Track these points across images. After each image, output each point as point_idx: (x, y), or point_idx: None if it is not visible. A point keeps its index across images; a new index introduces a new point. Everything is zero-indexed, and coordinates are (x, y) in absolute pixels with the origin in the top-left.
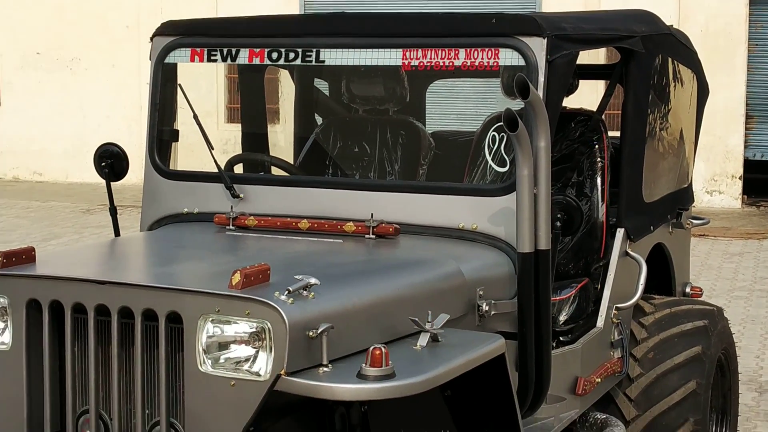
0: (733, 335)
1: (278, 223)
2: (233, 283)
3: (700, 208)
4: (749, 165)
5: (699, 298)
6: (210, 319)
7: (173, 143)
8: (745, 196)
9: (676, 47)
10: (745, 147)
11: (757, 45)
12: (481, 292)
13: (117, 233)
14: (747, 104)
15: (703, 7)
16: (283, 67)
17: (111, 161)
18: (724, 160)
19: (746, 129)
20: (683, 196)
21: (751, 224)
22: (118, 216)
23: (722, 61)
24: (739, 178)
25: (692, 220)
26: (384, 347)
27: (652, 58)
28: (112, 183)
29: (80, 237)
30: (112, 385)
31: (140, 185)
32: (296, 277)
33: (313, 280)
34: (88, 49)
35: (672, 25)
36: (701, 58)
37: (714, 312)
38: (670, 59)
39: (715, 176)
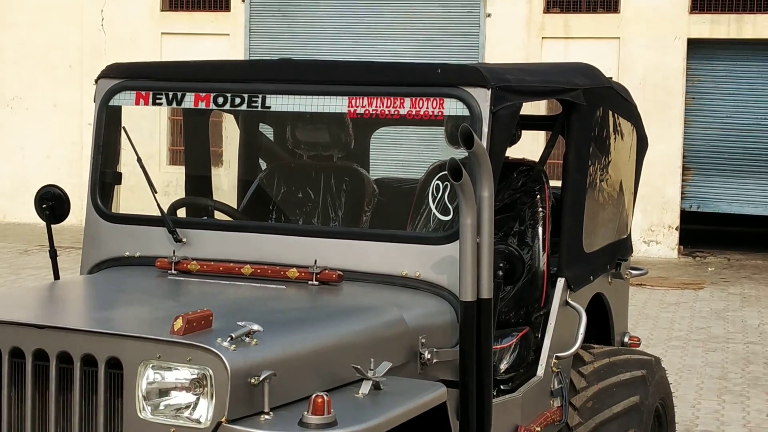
0: (670, 385)
1: (221, 268)
2: (175, 329)
3: (637, 257)
4: (686, 216)
5: (637, 348)
6: (151, 365)
7: (116, 186)
8: (682, 247)
9: (617, 100)
10: (682, 198)
11: (693, 98)
12: (423, 340)
13: (56, 276)
14: (684, 156)
15: (642, 60)
16: (229, 111)
17: (52, 203)
18: (662, 211)
19: (683, 180)
20: (622, 247)
21: (687, 274)
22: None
23: (660, 113)
24: (676, 229)
25: (631, 270)
26: (326, 395)
27: (593, 111)
28: (52, 225)
29: (17, 278)
30: (49, 431)
31: (79, 226)
32: (239, 323)
33: (255, 327)
34: (30, 87)
35: (612, 78)
36: (640, 111)
37: (652, 362)
38: (610, 112)
39: (652, 226)
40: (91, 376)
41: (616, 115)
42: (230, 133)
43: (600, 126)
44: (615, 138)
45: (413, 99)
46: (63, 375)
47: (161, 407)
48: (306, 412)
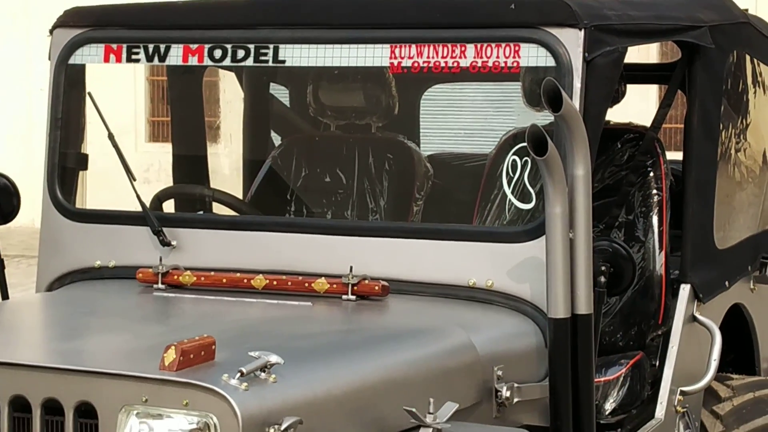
0: None
1: (224, 280)
2: (166, 363)
3: None
4: None
5: None
6: (135, 411)
7: (80, 172)
8: None
9: (757, 40)
10: None
11: None
12: (499, 373)
13: (5, 296)
14: None
15: None
16: (230, 68)
17: None
18: None
19: None
20: None
21: None
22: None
23: None
24: None
25: None
26: None
27: (724, 56)
28: None
29: None
30: None
31: (33, 227)
32: (251, 354)
33: (273, 359)
34: None
35: (748, 10)
36: None
37: None
38: (748, 57)
39: None
40: (57, 427)
41: (755, 60)
42: (231, 97)
43: (734, 76)
44: (755, 92)
45: (478, 45)
46: (19, 427)
47: None
48: None
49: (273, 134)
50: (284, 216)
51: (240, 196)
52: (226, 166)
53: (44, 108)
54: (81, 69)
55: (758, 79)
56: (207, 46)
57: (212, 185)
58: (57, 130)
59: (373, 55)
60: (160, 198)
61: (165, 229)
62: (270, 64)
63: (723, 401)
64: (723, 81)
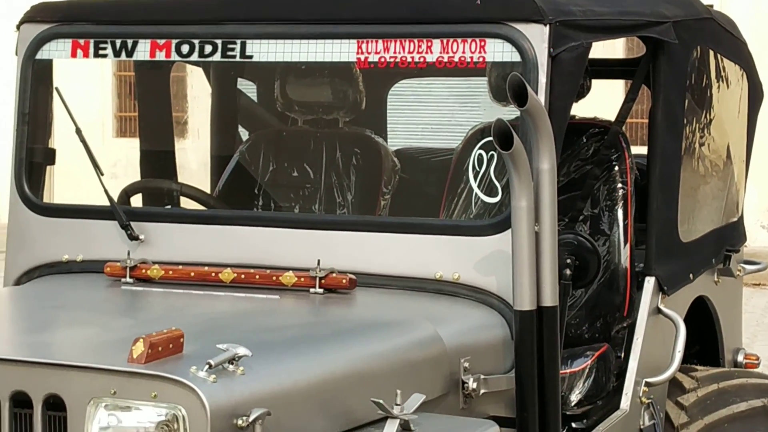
0: None
1: (192, 274)
2: (134, 356)
3: (753, 248)
4: None
5: (755, 370)
6: (103, 404)
7: (47, 167)
8: None
9: (720, 36)
10: None
11: None
12: (466, 365)
13: None
14: None
15: None
16: (197, 63)
17: None
18: None
19: None
20: (731, 234)
21: None
22: None
23: None
24: None
25: (744, 265)
26: None
27: (688, 51)
28: None
29: None
30: None
31: (0, 223)
32: (219, 346)
33: (241, 351)
34: None
35: (712, 6)
36: (751, 50)
37: None
38: (711, 52)
39: None
40: (25, 420)
41: (719, 56)
42: (198, 92)
43: (698, 71)
44: (719, 87)
45: (444, 41)
46: None
47: None
48: None
49: (240, 129)
50: (252, 210)
51: (208, 190)
52: (193, 160)
53: (11, 103)
54: (48, 64)
55: (721, 74)
56: (174, 42)
57: (180, 180)
58: (24, 125)
59: (340, 51)
60: (127, 192)
61: (133, 224)
62: (237, 59)
63: (687, 392)
64: (687, 76)
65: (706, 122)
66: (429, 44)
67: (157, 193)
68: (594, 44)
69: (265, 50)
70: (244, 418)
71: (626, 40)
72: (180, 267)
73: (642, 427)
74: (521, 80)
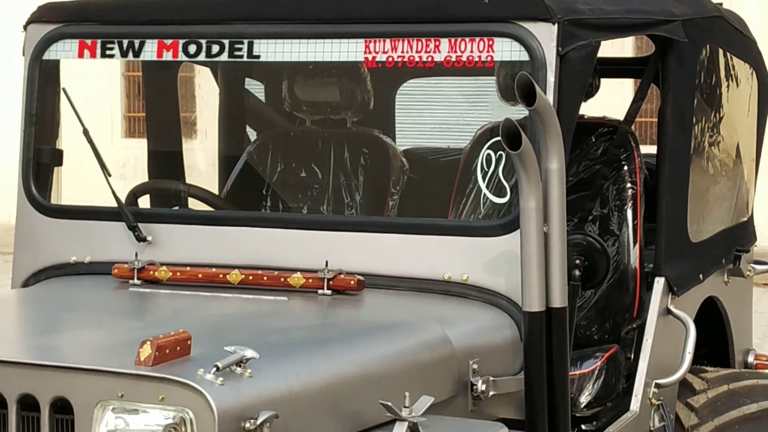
0: None
1: (200, 275)
2: (142, 358)
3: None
4: None
5: (765, 371)
6: (110, 407)
7: (55, 168)
8: None
9: (729, 34)
10: None
11: None
12: (475, 366)
13: None
14: None
15: None
16: (204, 63)
17: None
18: None
19: None
20: (742, 234)
21: None
22: None
23: None
24: None
25: (754, 265)
26: None
27: (697, 50)
28: None
29: None
30: None
31: (9, 224)
32: (227, 348)
33: (249, 353)
34: None
35: (721, 4)
36: (761, 49)
37: None
38: (721, 50)
39: None
40: (32, 423)
41: (728, 54)
42: (206, 92)
43: (707, 70)
44: (728, 86)
45: (452, 40)
46: None
47: None
48: None
49: (248, 129)
50: (260, 211)
51: (215, 191)
52: (201, 161)
53: (19, 104)
54: (55, 65)
55: (731, 72)
56: (181, 42)
57: (188, 181)
58: (32, 126)
59: (348, 50)
60: (135, 193)
61: (140, 225)
62: (245, 59)
63: (698, 394)
64: (696, 74)
65: (716, 121)
66: (437, 43)
67: (165, 194)
68: (603, 43)
69: (272, 50)
70: (252, 421)
71: (635, 39)
72: (188, 268)
73: (652, 428)
74: (530, 79)
